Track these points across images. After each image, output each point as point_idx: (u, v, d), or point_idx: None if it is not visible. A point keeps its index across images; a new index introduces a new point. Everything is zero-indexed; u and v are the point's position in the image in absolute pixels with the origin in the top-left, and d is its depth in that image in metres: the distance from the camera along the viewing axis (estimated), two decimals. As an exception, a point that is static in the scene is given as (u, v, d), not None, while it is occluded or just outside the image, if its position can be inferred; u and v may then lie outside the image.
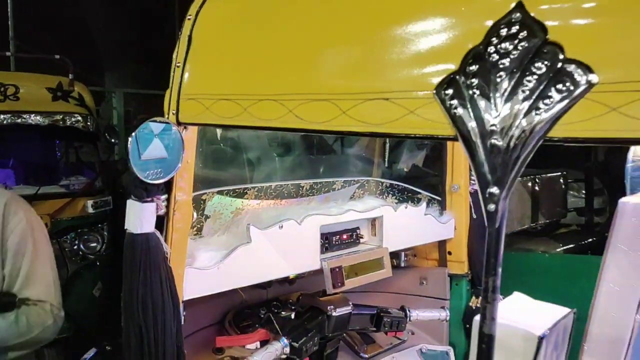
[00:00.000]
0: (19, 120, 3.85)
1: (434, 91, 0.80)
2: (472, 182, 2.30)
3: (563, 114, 0.67)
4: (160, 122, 1.32)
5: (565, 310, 0.96)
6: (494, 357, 0.80)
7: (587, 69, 0.66)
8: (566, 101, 0.67)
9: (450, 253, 2.31)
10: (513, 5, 0.73)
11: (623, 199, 1.06)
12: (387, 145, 2.80)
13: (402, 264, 2.34)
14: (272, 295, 2.07)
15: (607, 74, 0.66)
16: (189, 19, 1.33)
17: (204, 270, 1.47)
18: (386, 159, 2.85)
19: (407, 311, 2.02)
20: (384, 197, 2.34)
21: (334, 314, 1.83)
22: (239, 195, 1.89)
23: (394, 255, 2.31)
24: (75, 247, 3.92)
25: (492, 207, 0.73)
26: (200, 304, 1.78)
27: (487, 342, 0.73)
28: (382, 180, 2.30)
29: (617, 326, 1.03)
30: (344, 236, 1.93)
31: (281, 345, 1.67)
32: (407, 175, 2.51)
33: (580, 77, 0.66)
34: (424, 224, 2.14)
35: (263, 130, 1.65)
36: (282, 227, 1.67)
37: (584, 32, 0.68)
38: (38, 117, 3.96)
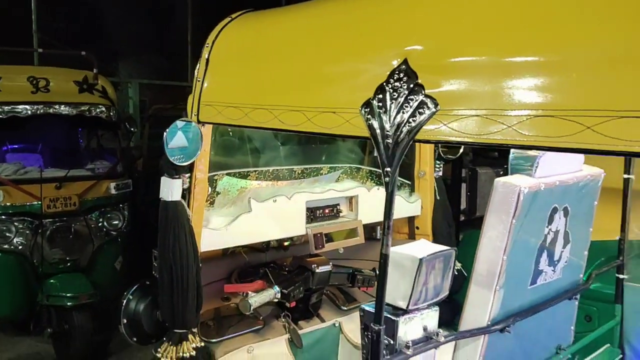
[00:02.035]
0: (51, 111, 4.44)
1: (360, 109, 1.33)
2: (437, 169, 2.83)
3: (423, 125, 1.20)
4: (184, 121, 1.87)
5: (449, 248, 1.48)
6: (395, 274, 1.35)
7: (434, 101, 1.19)
8: (425, 117, 1.20)
9: (418, 228, 2.85)
10: (402, 60, 1.26)
11: (497, 179, 1.59)
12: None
13: (378, 237, 2.88)
14: (269, 259, 2.62)
15: (447, 103, 1.19)
16: (207, 47, 1.88)
17: (216, 231, 2.03)
18: (367, 150, 3.40)
19: (377, 272, 2.56)
20: (363, 181, 2.87)
21: (317, 270, 2.38)
22: (243, 177, 2.44)
23: (371, 229, 2.85)
24: (100, 224, 4.50)
25: (387, 179, 1.27)
26: (212, 263, 2.34)
27: (384, 259, 1.27)
28: (361, 166, 2.83)
29: (492, 263, 1.56)
30: (326, 210, 2.48)
31: (274, 291, 2.23)
32: (374, 161, 3.04)
33: (432, 105, 1.20)
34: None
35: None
36: (275, 200, 2.22)
37: (436, 79, 1.22)
38: (67, 108, 4.54)
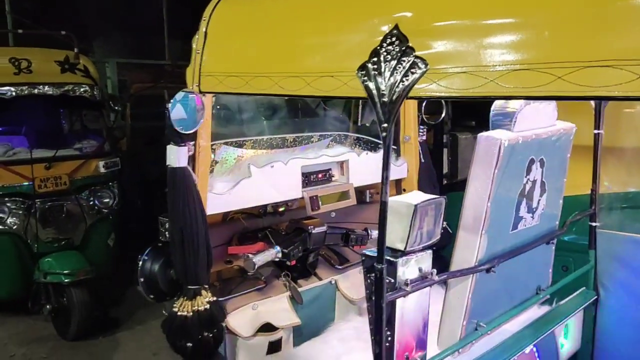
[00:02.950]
0: (35, 91, 4.48)
1: (356, 72, 1.48)
2: (421, 134, 3.01)
3: (414, 83, 1.36)
4: (186, 91, 1.98)
5: (440, 196, 1.66)
6: (393, 220, 1.52)
7: (424, 61, 1.34)
8: (416, 76, 1.36)
9: (404, 190, 3.03)
10: (393, 26, 1.41)
11: (480, 134, 1.76)
12: (359, 108, 3.49)
13: (367, 200, 3.05)
14: (266, 224, 2.78)
15: (435, 63, 1.34)
16: (204, 20, 1.99)
17: (220, 195, 2.18)
18: (359, 119, 3.56)
19: (369, 231, 2.75)
20: (353, 147, 3.03)
21: (313, 231, 2.55)
22: (239, 146, 2.57)
23: (361, 192, 3.02)
24: (91, 202, 4.60)
25: (384, 134, 1.42)
26: (213, 229, 2.48)
27: (383, 206, 1.43)
28: (349, 134, 2.99)
29: (477, 210, 1.74)
30: (320, 175, 2.64)
31: (275, 251, 2.39)
32: (370, 129, 3.21)
33: (422, 65, 1.35)
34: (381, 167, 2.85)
35: (258, 96, 2.33)
36: (273, 166, 2.37)
37: (425, 41, 1.37)
38: (51, 88, 4.59)
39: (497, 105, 1.83)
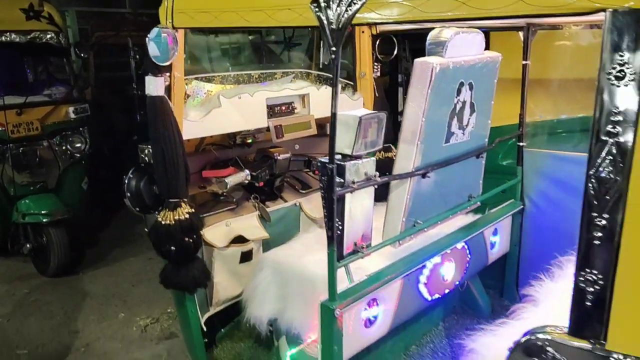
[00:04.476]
0: (3, 39, 4.57)
1: (310, 5, 1.78)
2: (375, 70, 3.33)
3: (357, 12, 1.67)
4: (161, 27, 2.24)
5: (382, 112, 2.00)
6: (342, 130, 1.86)
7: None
8: (357, 7, 1.67)
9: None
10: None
11: (416, 59, 2.10)
12: (320, 52, 3.78)
13: (328, 132, 3.38)
14: (236, 154, 3.09)
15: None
16: (175, -40, 2.23)
17: (194, 122, 2.48)
18: (320, 60, 3.85)
19: None
20: (314, 83, 3.34)
21: (278, 157, 2.89)
22: (209, 81, 2.85)
23: (321, 126, 3.35)
24: (64, 147, 4.80)
25: (333, 56, 1.74)
26: (188, 158, 2.78)
27: (333, 117, 1.77)
28: (309, 71, 3.29)
29: (413, 124, 2.10)
30: (283, 107, 2.95)
31: (244, 174, 2.73)
32: (328, 66, 3.51)
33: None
34: (339, 101, 3.17)
35: (226, 31, 2.60)
36: (240, 97, 2.67)
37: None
38: (17, 36, 4.68)
39: (432, 35, 2.16)
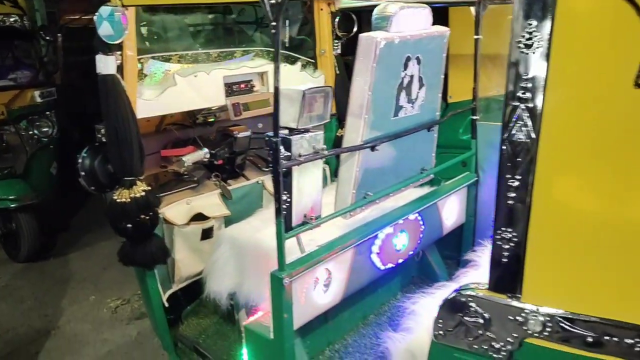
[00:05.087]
0: (-33, 22, 4.52)
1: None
2: (335, 47, 3.38)
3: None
4: (112, 6, 2.26)
5: (328, 86, 2.06)
6: (286, 104, 1.91)
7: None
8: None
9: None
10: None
11: (361, 34, 2.15)
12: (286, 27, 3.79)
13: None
14: (197, 134, 3.13)
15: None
16: (122, -61, 2.24)
17: (149, 101, 2.51)
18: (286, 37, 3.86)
19: None
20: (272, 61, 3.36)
21: (238, 135, 2.94)
22: (166, 60, 2.87)
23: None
24: (30, 132, 4.79)
25: (274, 30, 1.78)
26: (147, 138, 2.81)
27: (276, 91, 1.82)
28: (270, 49, 3.31)
29: (360, 97, 2.16)
30: (242, 85, 2.99)
31: (203, 152, 2.78)
32: (290, 45, 3.55)
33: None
34: (300, 78, 3.22)
35: (175, 9, 2.63)
36: (196, 76, 2.71)
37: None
38: (-21, 19, 4.62)
39: (377, 10, 2.21)
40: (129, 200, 2.33)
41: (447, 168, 2.85)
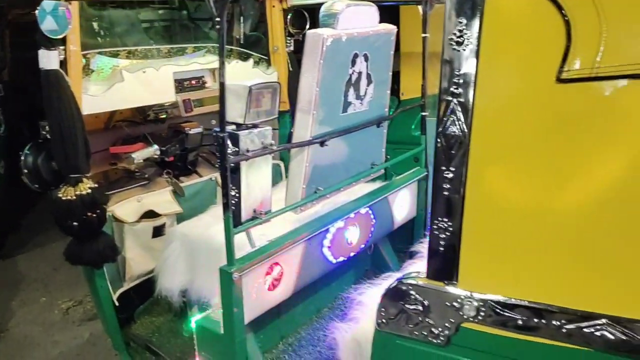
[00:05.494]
0: None
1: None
2: (288, 44, 3.40)
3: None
4: (52, 1, 2.21)
5: (276, 82, 2.08)
6: (232, 99, 1.92)
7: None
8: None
9: (277, 98, 3.45)
10: None
11: (308, 31, 2.18)
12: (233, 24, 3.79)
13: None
14: (148, 131, 3.10)
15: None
16: None
17: (95, 97, 2.47)
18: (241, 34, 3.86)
19: None
20: (228, 59, 3.36)
21: (189, 132, 2.93)
22: (114, 56, 2.83)
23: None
24: (-25, 130, 4.61)
25: (218, 26, 1.79)
26: (96, 135, 2.77)
27: (221, 86, 1.82)
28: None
29: (308, 94, 2.19)
30: (193, 81, 2.97)
31: (153, 149, 2.76)
32: (245, 42, 3.55)
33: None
34: (253, 75, 3.23)
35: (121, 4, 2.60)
36: (145, 71, 2.68)
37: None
38: None
39: (324, 7, 2.24)
40: (75, 197, 2.28)
41: (401, 164, 2.92)
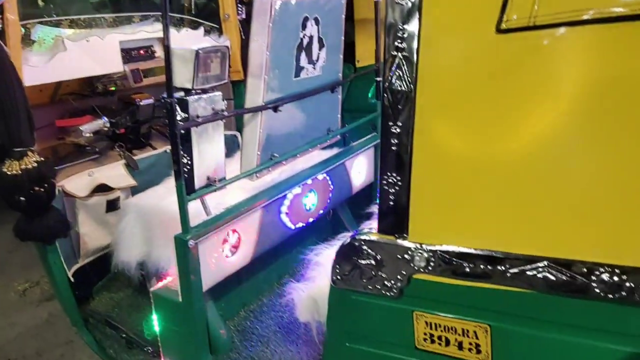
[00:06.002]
0: None
1: None
2: (239, 12, 3.33)
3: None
4: (-16, -36, 2.10)
5: (224, 45, 2.04)
6: (179, 64, 1.87)
7: None
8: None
9: (230, 66, 3.38)
10: None
11: None
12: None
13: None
14: (97, 104, 3.00)
15: None
16: None
17: (36, 67, 2.37)
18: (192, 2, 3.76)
19: None
20: (178, 27, 3.27)
21: (141, 103, 2.85)
22: (56, 25, 2.71)
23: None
24: None
25: (160, -12, 1.73)
26: (42, 109, 2.67)
27: (167, 50, 1.78)
28: (173, 15, 3.21)
29: (259, 58, 2.16)
30: (141, 51, 2.89)
31: (102, 121, 2.68)
32: (195, 10, 3.46)
33: None
34: (204, 43, 3.15)
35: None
36: (88, 40, 2.58)
37: None
38: None
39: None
40: (20, 172, 2.20)
41: (358, 131, 2.92)
